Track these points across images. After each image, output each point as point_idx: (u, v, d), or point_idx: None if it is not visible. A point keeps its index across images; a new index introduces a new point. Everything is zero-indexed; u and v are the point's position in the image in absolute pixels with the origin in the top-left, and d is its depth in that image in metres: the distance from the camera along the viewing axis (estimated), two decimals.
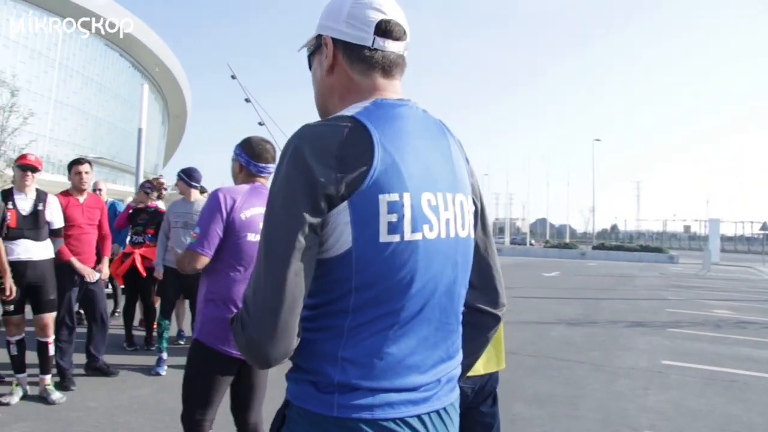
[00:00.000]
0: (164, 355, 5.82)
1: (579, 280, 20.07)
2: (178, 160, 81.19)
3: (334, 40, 1.32)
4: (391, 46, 1.31)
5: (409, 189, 1.19)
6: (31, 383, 4.87)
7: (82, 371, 5.49)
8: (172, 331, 6.68)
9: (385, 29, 1.30)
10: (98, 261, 5.61)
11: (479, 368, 2.57)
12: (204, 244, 2.78)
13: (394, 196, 1.17)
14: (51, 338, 4.95)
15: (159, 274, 6.04)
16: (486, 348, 1.56)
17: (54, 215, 5.06)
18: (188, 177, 5.90)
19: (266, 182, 3.03)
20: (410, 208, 1.19)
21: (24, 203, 4.88)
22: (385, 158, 1.18)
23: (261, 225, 1.36)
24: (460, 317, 1.37)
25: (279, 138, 32.40)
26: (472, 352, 1.49)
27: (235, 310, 2.60)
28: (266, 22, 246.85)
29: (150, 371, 5.70)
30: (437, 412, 1.27)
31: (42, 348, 4.92)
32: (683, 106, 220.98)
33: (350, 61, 1.31)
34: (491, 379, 2.65)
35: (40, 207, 4.94)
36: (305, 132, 1.19)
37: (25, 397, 4.77)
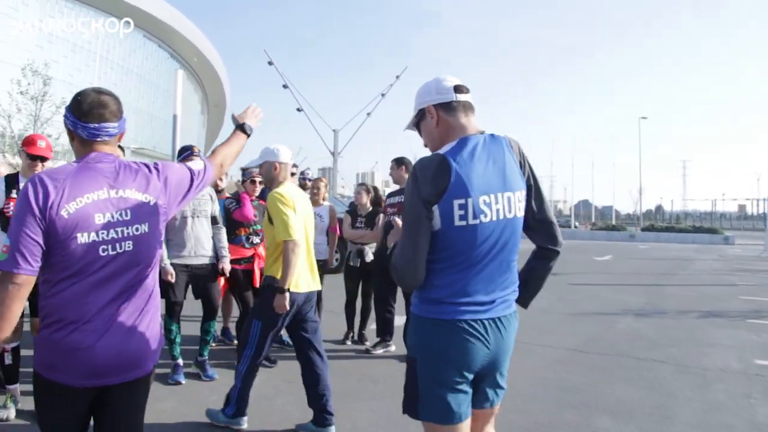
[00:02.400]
0: (180, 362, 5.28)
1: (634, 264, 19.11)
2: None
3: (434, 105, 2.29)
4: (462, 97, 2.29)
5: (471, 195, 2.13)
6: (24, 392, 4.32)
7: None
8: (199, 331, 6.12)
9: (457, 89, 2.29)
10: None
11: (304, 287, 4.12)
12: (17, 259, 1.97)
13: (461, 200, 2.13)
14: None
15: (166, 274, 5.07)
16: (549, 274, 2.60)
17: None
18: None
19: (111, 150, 2.22)
20: (471, 206, 2.13)
21: None
22: (456, 178, 2.11)
23: (98, 218, 2.08)
24: (511, 264, 2.30)
25: (318, 124, 32.11)
26: (541, 275, 2.59)
27: (71, 331, 2.06)
28: (302, 7, 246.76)
29: (168, 380, 5.14)
30: (493, 320, 2.23)
31: None
32: (730, 80, 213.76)
33: (445, 112, 2.27)
34: (312, 294, 4.22)
35: None
36: (417, 166, 2.18)
37: (21, 412, 4.23)
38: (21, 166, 4.51)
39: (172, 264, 5.16)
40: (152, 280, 2.28)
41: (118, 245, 2.11)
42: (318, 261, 6.75)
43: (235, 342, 6.34)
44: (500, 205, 2.18)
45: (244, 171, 6.02)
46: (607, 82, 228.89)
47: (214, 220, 5.47)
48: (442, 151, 2.18)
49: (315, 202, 7.00)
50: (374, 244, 6.78)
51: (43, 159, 4.31)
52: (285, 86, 32.24)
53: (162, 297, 5.16)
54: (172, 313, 5.25)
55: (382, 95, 34.58)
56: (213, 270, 5.41)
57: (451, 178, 2.10)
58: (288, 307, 3.95)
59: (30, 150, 4.30)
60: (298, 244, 3.96)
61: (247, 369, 4.07)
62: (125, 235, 2.12)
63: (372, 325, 6.79)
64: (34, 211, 1.99)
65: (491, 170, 2.18)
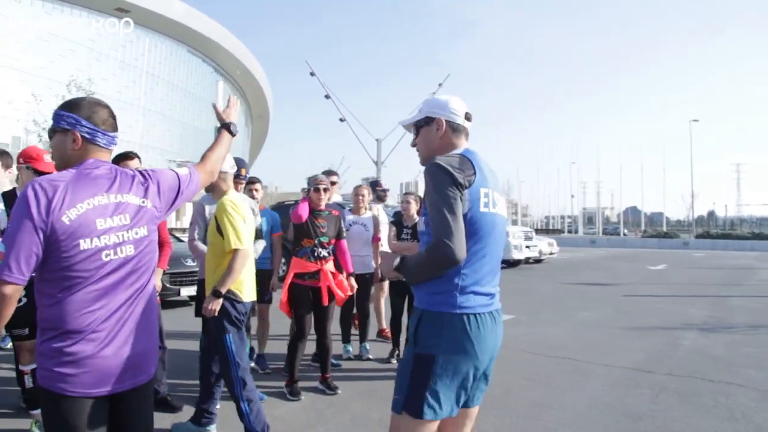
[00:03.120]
0: None
1: (691, 273, 18.25)
2: (264, 159, 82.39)
3: (446, 120, 2.52)
4: (468, 124, 2.57)
5: (489, 187, 2.39)
6: None
7: None
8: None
9: (466, 116, 2.57)
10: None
11: (249, 297, 4.07)
12: (11, 267, 1.94)
13: (486, 190, 2.36)
14: None
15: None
16: None
17: None
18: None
19: (107, 157, 2.25)
20: (492, 196, 2.38)
21: None
22: (478, 172, 2.35)
23: (100, 224, 2.07)
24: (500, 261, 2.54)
25: (361, 133, 31.91)
26: None
27: (77, 341, 2.04)
28: (343, 19, 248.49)
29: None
30: (496, 311, 2.43)
31: None
32: None
33: (452, 131, 2.53)
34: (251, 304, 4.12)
35: None
36: (439, 158, 2.35)
37: None
38: (20, 181, 4.28)
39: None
40: (152, 284, 2.29)
41: (119, 249, 2.11)
42: (365, 275, 6.47)
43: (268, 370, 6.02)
44: (501, 203, 2.46)
45: (310, 179, 5.65)
46: (656, 84, 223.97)
47: (256, 234, 5.13)
48: (456, 152, 2.46)
49: (357, 211, 6.62)
50: None
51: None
52: (327, 96, 32.09)
53: (198, 316, 4.88)
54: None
55: None
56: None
57: (476, 170, 2.34)
58: (215, 312, 3.87)
59: (39, 166, 4.08)
60: (247, 255, 3.92)
61: (244, 387, 3.91)
62: (126, 239, 2.13)
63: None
64: (34, 218, 1.95)
65: (491, 174, 2.46)
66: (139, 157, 4.79)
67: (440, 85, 34.06)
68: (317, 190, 5.34)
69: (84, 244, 2.02)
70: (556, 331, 8.06)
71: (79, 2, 42.31)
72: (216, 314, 3.85)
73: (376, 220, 6.66)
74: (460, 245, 2.18)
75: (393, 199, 37.89)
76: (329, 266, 5.30)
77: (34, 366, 4.07)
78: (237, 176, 4.95)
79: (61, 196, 1.99)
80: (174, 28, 48.45)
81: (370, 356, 6.52)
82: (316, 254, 5.20)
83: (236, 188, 4.97)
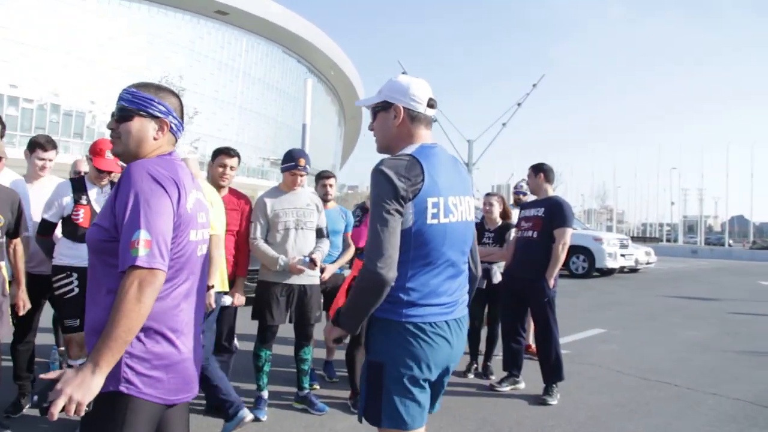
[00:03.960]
0: (265, 394, 4.60)
1: None
2: (356, 159, 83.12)
3: (404, 108, 2.29)
4: (431, 112, 2.34)
5: (442, 195, 2.20)
6: None
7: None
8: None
9: (429, 103, 2.32)
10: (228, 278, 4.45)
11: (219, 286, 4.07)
12: (162, 254, 1.78)
13: (435, 199, 2.18)
14: None
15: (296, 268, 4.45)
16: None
17: None
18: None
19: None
20: (443, 206, 2.20)
21: (101, 198, 3.98)
22: (428, 178, 2.15)
23: (200, 218, 2.05)
24: (466, 265, 2.42)
25: (453, 135, 31.41)
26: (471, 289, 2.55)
27: (179, 343, 1.93)
28: (437, 21, 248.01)
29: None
30: (455, 320, 2.30)
31: None
32: None
33: (411, 120, 2.31)
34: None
35: None
36: (386, 162, 2.17)
37: None
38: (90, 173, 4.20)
39: (269, 282, 4.50)
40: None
41: (203, 246, 2.09)
42: None
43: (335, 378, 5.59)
44: (463, 207, 2.31)
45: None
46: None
47: (319, 233, 4.76)
48: (408, 152, 2.25)
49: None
50: (503, 264, 5.80)
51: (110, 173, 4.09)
52: None
53: (254, 318, 4.55)
54: (264, 338, 4.57)
55: (518, 105, 33.25)
56: (316, 290, 4.71)
57: (424, 177, 2.16)
58: (213, 305, 3.96)
59: (96, 163, 4.03)
60: (220, 240, 3.99)
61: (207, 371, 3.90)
62: (204, 237, 2.10)
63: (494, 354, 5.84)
64: (172, 204, 1.86)
65: (453, 174, 2.32)
66: (239, 157, 4.63)
67: (534, 86, 33.05)
68: None
69: (192, 236, 1.97)
70: (654, 351, 7.19)
71: (181, 6, 43.97)
72: (212, 307, 3.94)
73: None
74: (388, 265, 2.08)
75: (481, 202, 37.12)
76: None
77: (83, 360, 3.90)
78: (295, 167, 4.58)
79: (182, 184, 1.92)
80: (270, 29, 49.66)
81: None
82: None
83: (295, 181, 4.61)
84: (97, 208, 3.95)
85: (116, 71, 38.62)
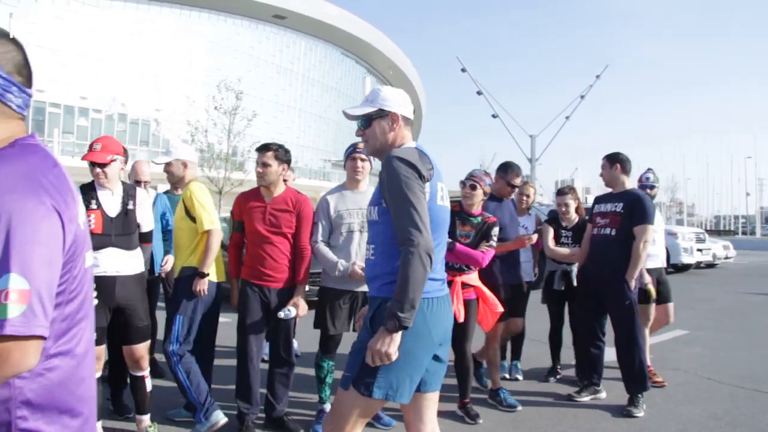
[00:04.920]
0: (327, 407, 4.33)
1: None
2: None
3: (400, 115, 2.56)
4: (413, 116, 2.66)
5: (442, 181, 2.54)
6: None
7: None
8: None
9: (413, 110, 2.67)
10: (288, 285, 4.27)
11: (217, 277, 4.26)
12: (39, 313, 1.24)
13: (441, 184, 2.51)
14: (146, 371, 3.90)
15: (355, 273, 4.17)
16: None
17: (145, 216, 3.92)
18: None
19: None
20: (445, 190, 2.54)
21: (111, 201, 3.75)
22: (434, 166, 2.48)
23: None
24: None
25: (515, 130, 30.76)
26: None
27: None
28: (495, 16, 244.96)
29: (310, 429, 4.29)
30: (446, 295, 2.53)
31: (137, 384, 3.87)
32: None
33: (404, 124, 2.58)
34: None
35: (131, 205, 3.79)
36: (399, 152, 2.39)
37: None
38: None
39: (331, 289, 4.25)
40: None
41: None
42: (523, 283, 5.37)
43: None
44: (445, 194, 2.57)
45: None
46: None
47: None
48: (411, 145, 2.55)
49: (522, 211, 5.72)
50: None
51: (102, 166, 3.77)
52: (479, 93, 31.33)
53: (317, 327, 4.30)
54: (327, 347, 4.34)
55: (582, 97, 32.38)
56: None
57: (433, 164, 2.47)
58: (206, 292, 4.10)
59: (87, 155, 3.81)
60: (220, 234, 4.15)
61: (182, 364, 4.02)
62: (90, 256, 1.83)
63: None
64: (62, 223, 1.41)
65: (438, 166, 2.55)
66: (276, 151, 4.25)
67: (598, 77, 32.24)
68: (474, 186, 4.52)
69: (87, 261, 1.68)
70: (747, 356, 6.57)
71: (239, 12, 44.65)
72: (204, 294, 4.10)
73: (539, 222, 5.80)
74: (430, 237, 2.28)
75: (548, 198, 36.27)
76: (470, 279, 4.50)
77: (99, 374, 3.79)
78: (354, 150, 4.35)
79: (70, 185, 1.40)
80: (327, 31, 49.90)
81: (519, 377, 5.65)
82: (450, 264, 4.37)
83: (355, 167, 4.31)
84: (112, 212, 3.76)
85: (178, 79, 39.56)
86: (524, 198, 5.74)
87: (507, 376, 5.60)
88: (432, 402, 2.58)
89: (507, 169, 5.19)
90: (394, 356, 2.24)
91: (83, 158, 3.79)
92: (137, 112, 40.58)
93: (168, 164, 4.31)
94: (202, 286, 4.05)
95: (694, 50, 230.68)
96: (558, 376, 5.64)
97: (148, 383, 3.94)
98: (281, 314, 4.07)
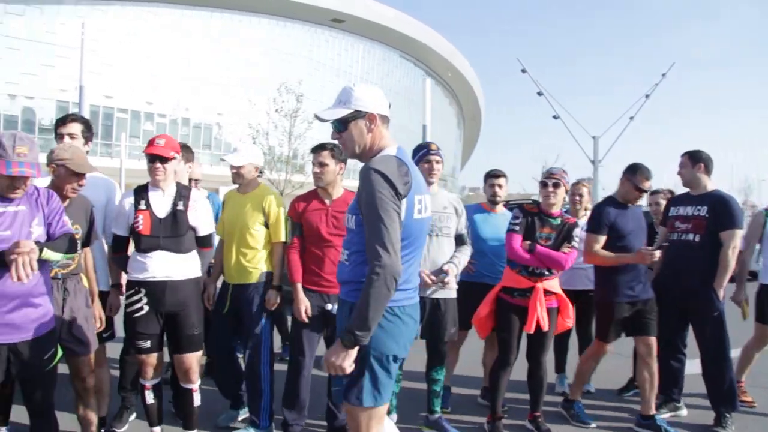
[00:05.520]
0: (393, 417, 4.19)
1: None
2: (475, 161, 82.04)
3: (377, 114, 2.51)
4: (389, 113, 2.60)
5: (422, 193, 2.51)
6: None
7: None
8: None
9: (388, 106, 2.60)
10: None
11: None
12: None
13: (420, 197, 2.47)
14: (196, 384, 3.73)
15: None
16: None
17: (200, 218, 3.72)
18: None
19: None
20: (424, 202, 2.50)
21: (161, 202, 3.60)
22: (413, 177, 2.45)
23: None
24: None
25: (576, 131, 29.97)
26: None
27: None
28: (556, 13, 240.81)
29: None
30: (416, 303, 2.58)
31: (187, 397, 3.74)
32: None
33: (381, 123, 2.54)
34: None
35: (180, 207, 3.60)
36: (378, 163, 2.38)
37: None
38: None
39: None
40: None
41: None
42: (588, 291, 5.00)
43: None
44: (427, 204, 2.58)
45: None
46: None
47: (459, 240, 4.26)
48: (392, 153, 2.49)
49: (574, 213, 5.37)
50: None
51: (163, 160, 3.61)
52: (540, 93, 30.62)
53: (423, 337, 4.03)
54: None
55: (647, 96, 31.27)
56: (452, 304, 4.21)
57: (411, 177, 2.43)
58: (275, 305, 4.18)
59: (146, 149, 3.66)
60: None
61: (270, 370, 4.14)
62: None
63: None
64: None
65: (418, 173, 2.59)
66: (331, 150, 4.05)
67: (664, 75, 30.97)
68: (544, 184, 4.24)
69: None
70: None
71: (298, 17, 45.14)
72: (274, 306, 4.13)
73: None
74: (398, 259, 2.31)
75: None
76: (552, 285, 4.22)
77: (156, 381, 3.76)
78: (427, 152, 4.28)
79: None
80: (385, 33, 49.97)
81: (592, 389, 5.30)
82: (530, 268, 4.14)
83: (431, 169, 4.20)
84: (160, 213, 3.61)
85: (239, 83, 40.25)
86: (577, 198, 5.39)
87: (567, 391, 5.23)
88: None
89: (636, 170, 4.50)
90: (348, 369, 2.34)
91: (145, 151, 3.68)
92: (200, 116, 41.52)
93: (240, 166, 4.13)
94: (274, 298, 4.10)
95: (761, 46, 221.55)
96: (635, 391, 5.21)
97: (197, 398, 3.80)
98: (329, 306, 3.97)
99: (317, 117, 2.57)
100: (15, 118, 35.82)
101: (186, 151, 4.45)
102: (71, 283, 3.42)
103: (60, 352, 3.11)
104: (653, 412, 4.40)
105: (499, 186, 4.90)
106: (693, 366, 4.73)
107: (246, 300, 4.07)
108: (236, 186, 4.29)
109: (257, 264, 4.10)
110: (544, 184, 4.23)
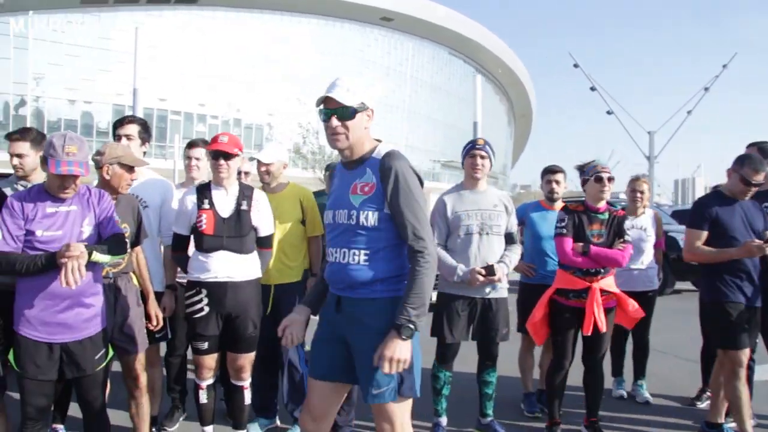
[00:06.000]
0: (443, 421, 4.07)
1: None
2: (527, 158, 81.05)
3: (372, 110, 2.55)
4: None
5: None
6: None
7: None
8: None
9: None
10: None
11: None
12: None
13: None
14: (247, 381, 3.69)
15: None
16: None
17: (263, 218, 3.66)
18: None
19: None
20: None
21: (224, 201, 3.53)
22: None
23: None
24: None
25: (631, 126, 29.21)
26: None
27: None
28: (606, 8, 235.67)
29: None
30: None
31: (237, 394, 3.70)
32: None
33: (371, 118, 2.54)
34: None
35: (244, 206, 3.54)
36: (401, 157, 2.47)
37: None
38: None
39: (449, 295, 3.98)
40: None
41: None
42: (646, 292, 4.85)
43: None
44: None
45: (584, 168, 4.18)
46: None
47: (509, 238, 4.12)
48: (387, 146, 2.56)
49: (633, 211, 5.04)
50: None
51: (227, 156, 3.52)
52: (593, 89, 29.95)
53: (433, 335, 3.86)
54: (443, 357, 4.07)
55: (706, 89, 30.19)
56: (503, 304, 4.08)
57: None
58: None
59: (210, 145, 3.63)
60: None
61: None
62: None
63: None
64: None
65: None
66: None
67: (725, 66, 29.88)
68: (599, 179, 3.99)
69: None
70: None
71: (348, 16, 45.37)
72: None
73: (659, 222, 5.17)
74: (435, 247, 2.50)
75: (666, 198, 34.23)
76: (608, 284, 4.02)
77: (211, 381, 3.71)
78: (473, 147, 4.11)
79: None
80: (435, 31, 49.83)
81: (649, 398, 4.96)
82: (585, 269, 3.95)
83: (475, 164, 4.01)
84: (224, 213, 3.55)
85: (289, 84, 40.74)
86: (638, 195, 5.08)
87: (625, 395, 5.03)
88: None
89: (744, 161, 3.96)
90: (408, 362, 2.35)
91: (208, 148, 3.66)
92: (251, 116, 42.27)
93: (270, 163, 4.08)
94: None
95: None
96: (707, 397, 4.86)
97: (247, 396, 3.76)
98: None
99: (332, 98, 2.45)
100: (74, 123, 37.17)
101: None
102: (122, 282, 3.42)
103: (111, 352, 3.12)
104: (722, 420, 4.14)
105: (557, 182, 4.73)
106: (762, 372, 4.45)
107: (289, 301, 3.95)
108: (260, 185, 4.20)
109: (299, 262, 4.12)
110: (598, 179, 4.00)
